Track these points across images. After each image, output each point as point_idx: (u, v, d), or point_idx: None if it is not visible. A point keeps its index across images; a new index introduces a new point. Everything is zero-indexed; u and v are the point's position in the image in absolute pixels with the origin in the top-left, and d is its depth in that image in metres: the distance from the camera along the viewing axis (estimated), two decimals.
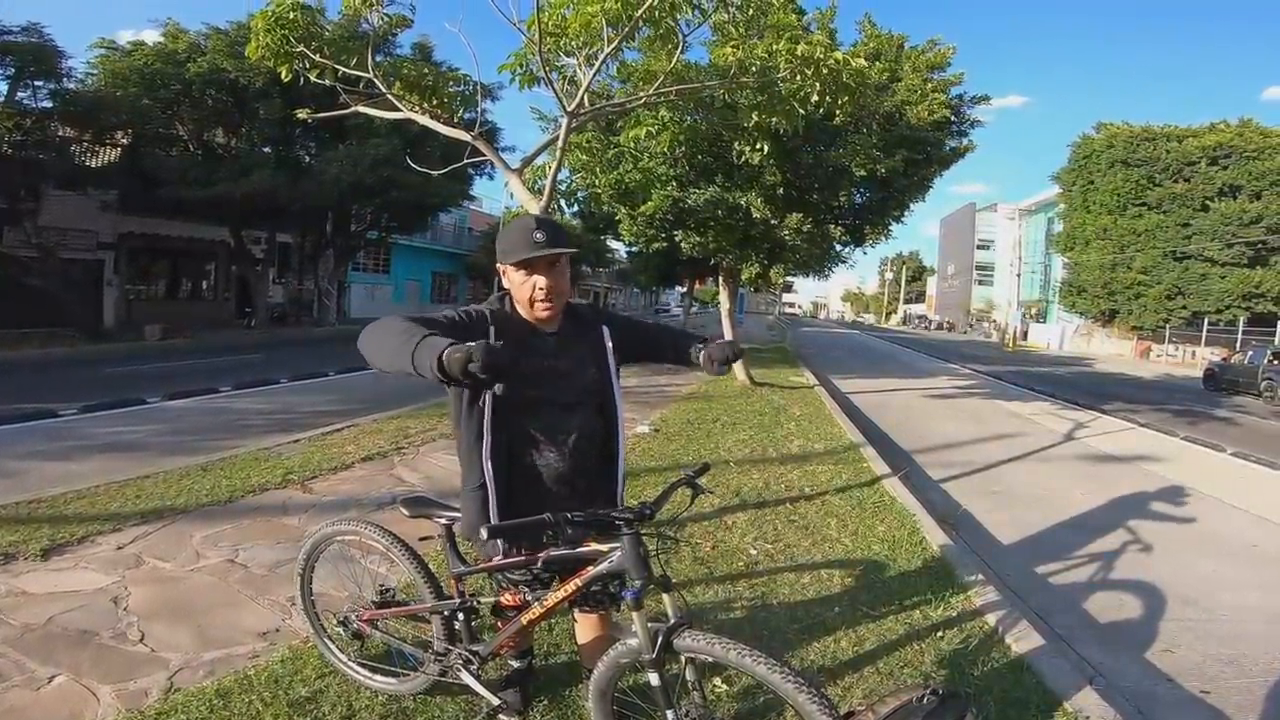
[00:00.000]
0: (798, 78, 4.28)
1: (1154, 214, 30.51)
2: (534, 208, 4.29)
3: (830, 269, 12.90)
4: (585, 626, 2.07)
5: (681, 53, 4.42)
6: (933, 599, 3.35)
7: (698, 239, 9.83)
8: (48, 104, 14.55)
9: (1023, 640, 2.98)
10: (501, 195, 35.88)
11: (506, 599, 1.86)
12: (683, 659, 1.59)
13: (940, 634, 3.00)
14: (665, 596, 1.61)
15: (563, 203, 5.61)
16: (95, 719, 2.14)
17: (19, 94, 14.13)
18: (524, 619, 1.79)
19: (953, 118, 10.61)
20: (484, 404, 1.72)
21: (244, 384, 10.33)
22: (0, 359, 12.51)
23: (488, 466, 1.75)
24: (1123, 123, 32.23)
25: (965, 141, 11.14)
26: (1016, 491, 6.25)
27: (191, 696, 2.24)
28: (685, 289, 29.38)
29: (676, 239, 10.04)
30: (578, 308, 1.96)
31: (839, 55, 4.22)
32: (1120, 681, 2.93)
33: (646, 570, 1.58)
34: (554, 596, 1.72)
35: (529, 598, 1.80)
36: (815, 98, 4.34)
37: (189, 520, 4.02)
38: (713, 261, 11.45)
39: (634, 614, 1.58)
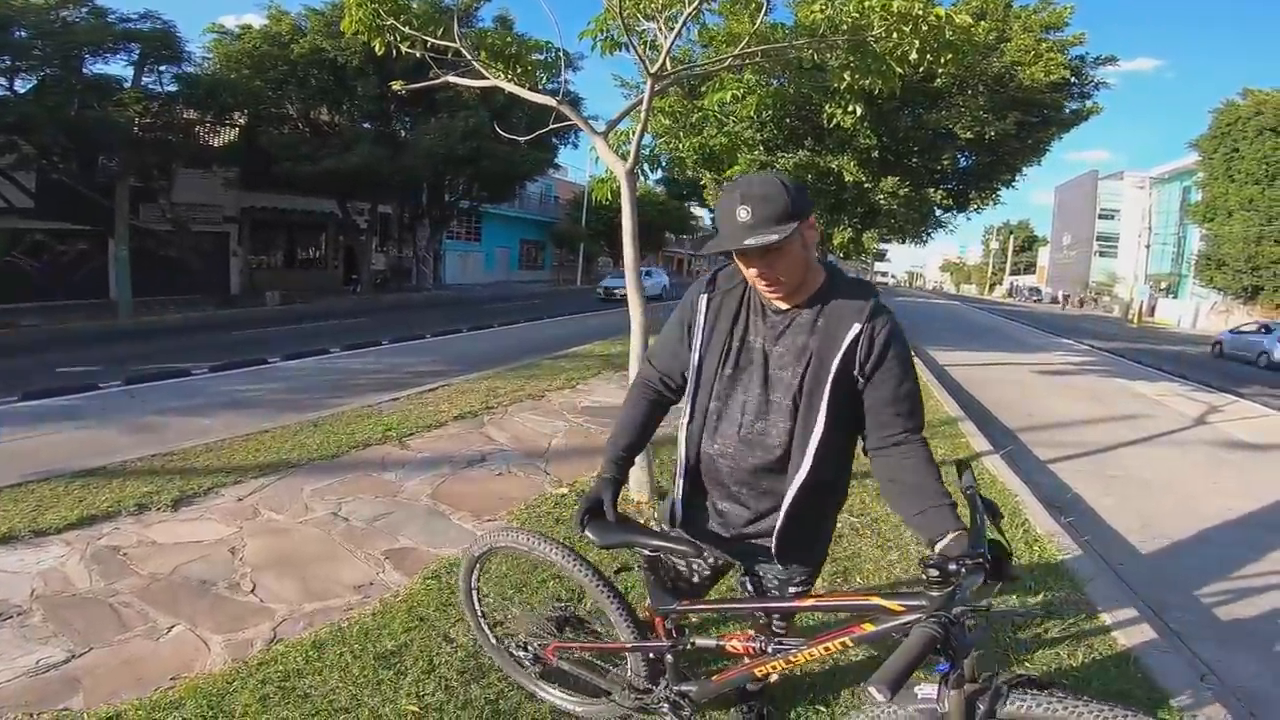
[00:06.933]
0: (894, 36, 3.97)
1: None
2: (620, 170, 4.24)
3: (929, 234, 12.24)
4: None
5: (765, 14, 4.20)
6: (1033, 584, 3.15)
7: None
8: (172, 88, 15.65)
9: (1132, 633, 2.77)
10: (586, 164, 36.08)
11: (734, 645, 1.55)
12: None
13: (1040, 622, 2.83)
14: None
15: (646, 168, 5.51)
16: (204, 668, 2.32)
17: (144, 79, 15.20)
18: (757, 671, 1.49)
19: (1073, 79, 9.67)
20: (693, 378, 1.59)
21: (351, 345, 11.04)
22: (141, 324, 13.96)
23: (680, 440, 1.63)
24: (1273, 89, 28.70)
25: (1089, 104, 10.16)
26: (1135, 476, 5.75)
27: (290, 647, 2.41)
28: None
29: None
30: (842, 290, 1.50)
31: (940, 11, 3.88)
32: (1233, 681, 2.69)
33: (968, 644, 1.18)
34: (805, 653, 1.40)
35: (767, 648, 1.48)
36: (914, 56, 4.02)
37: (300, 474, 4.34)
38: None
39: (949, 691, 1.18)
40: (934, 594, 1.19)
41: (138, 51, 14.68)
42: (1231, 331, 20.08)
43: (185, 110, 16.34)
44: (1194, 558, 4.07)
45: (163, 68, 15.35)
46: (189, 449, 4.73)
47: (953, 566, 1.19)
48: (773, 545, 1.55)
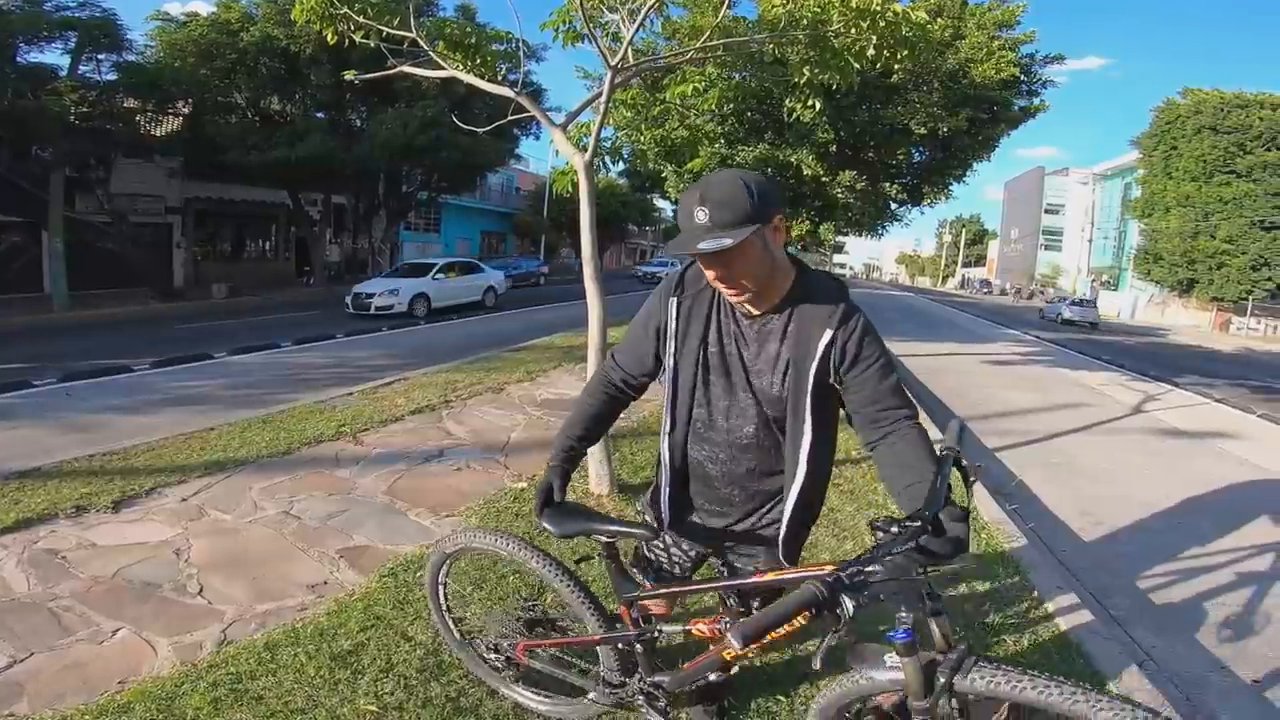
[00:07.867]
0: (852, 31, 4.04)
1: (1243, 182, 28.44)
2: (578, 162, 4.21)
3: (884, 228, 12.54)
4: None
5: (728, 8, 4.22)
6: (980, 572, 3.26)
7: None
8: (111, 77, 14.97)
9: (1072, 618, 2.89)
10: (548, 155, 35.85)
11: (700, 629, 1.54)
12: (955, 701, 1.17)
13: (984, 606, 2.93)
14: (933, 622, 1.17)
15: (608, 159, 5.49)
16: (151, 671, 2.25)
17: (82, 68, 14.55)
18: (725, 654, 1.45)
19: (1022, 77, 10.00)
20: (670, 387, 1.58)
21: (303, 339, 10.74)
22: (78, 319, 13.32)
23: (664, 449, 1.63)
24: (1212, 89, 30.10)
25: (1037, 101, 10.52)
26: (1077, 464, 5.99)
27: (242, 649, 2.34)
28: None
29: None
30: (811, 291, 1.45)
31: (897, 8, 3.96)
32: (1171, 666, 2.82)
33: (922, 602, 1.15)
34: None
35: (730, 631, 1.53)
36: (871, 52, 4.09)
37: (249, 472, 4.21)
38: None
39: (903, 659, 1.16)
40: None
41: (74, 39, 14.03)
42: (1048, 302, 33.97)
43: (126, 99, 15.62)
44: (1132, 544, 4.25)
45: (101, 56, 14.70)
46: (130, 448, 4.55)
47: (895, 529, 1.15)
48: (779, 548, 1.58)
